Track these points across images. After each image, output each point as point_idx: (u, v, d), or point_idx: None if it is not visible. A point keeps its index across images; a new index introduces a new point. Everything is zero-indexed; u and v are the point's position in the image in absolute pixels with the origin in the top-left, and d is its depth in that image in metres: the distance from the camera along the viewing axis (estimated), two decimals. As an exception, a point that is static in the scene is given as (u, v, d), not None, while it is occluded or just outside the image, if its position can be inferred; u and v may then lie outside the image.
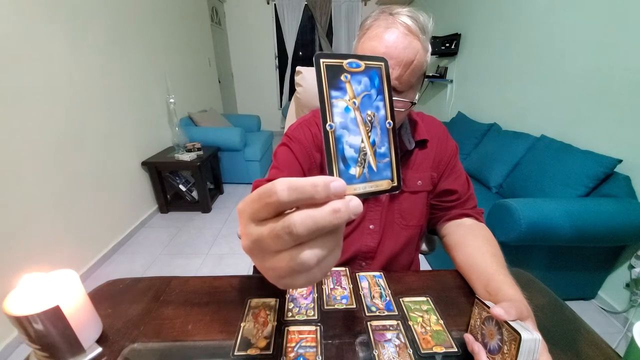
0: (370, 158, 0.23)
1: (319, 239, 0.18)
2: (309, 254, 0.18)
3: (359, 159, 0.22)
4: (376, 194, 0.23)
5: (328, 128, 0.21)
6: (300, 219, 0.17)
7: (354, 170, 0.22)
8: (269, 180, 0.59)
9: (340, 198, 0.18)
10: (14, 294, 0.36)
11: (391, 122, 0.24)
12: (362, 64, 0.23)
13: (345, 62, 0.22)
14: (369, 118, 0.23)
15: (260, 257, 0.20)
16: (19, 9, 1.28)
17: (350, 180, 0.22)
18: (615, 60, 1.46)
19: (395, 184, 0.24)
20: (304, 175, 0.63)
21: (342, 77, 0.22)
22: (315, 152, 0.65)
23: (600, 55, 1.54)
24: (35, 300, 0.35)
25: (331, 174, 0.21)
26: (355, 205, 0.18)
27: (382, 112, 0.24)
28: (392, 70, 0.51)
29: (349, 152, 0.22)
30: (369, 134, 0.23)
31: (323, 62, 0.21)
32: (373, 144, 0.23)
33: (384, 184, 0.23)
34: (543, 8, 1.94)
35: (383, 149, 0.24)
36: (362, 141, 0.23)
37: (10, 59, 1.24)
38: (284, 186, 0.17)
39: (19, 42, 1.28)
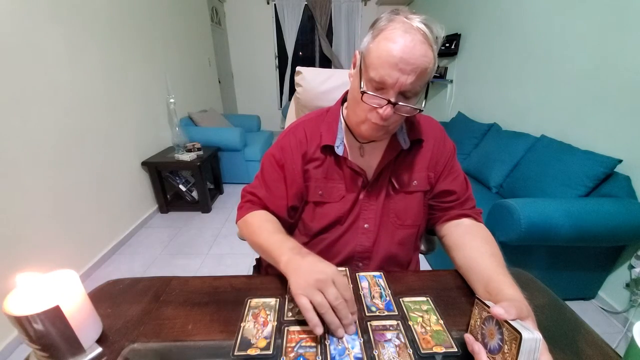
0: None
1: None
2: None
3: None
4: None
5: None
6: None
7: None
8: (251, 193, 0.69)
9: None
10: (14, 294, 0.36)
11: None
12: None
13: None
14: None
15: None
16: (20, 9, 1.28)
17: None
18: (615, 60, 1.46)
19: None
20: (287, 191, 0.67)
21: None
22: (298, 158, 0.66)
23: (600, 55, 1.54)
24: (35, 300, 0.35)
25: None
26: None
27: None
28: (407, 76, 0.50)
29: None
30: None
31: None
32: None
33: None
34: (543, 8, 1.94)
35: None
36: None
37: (11, 59, 1.24)
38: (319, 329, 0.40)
39: (20, 42, 1.28)
